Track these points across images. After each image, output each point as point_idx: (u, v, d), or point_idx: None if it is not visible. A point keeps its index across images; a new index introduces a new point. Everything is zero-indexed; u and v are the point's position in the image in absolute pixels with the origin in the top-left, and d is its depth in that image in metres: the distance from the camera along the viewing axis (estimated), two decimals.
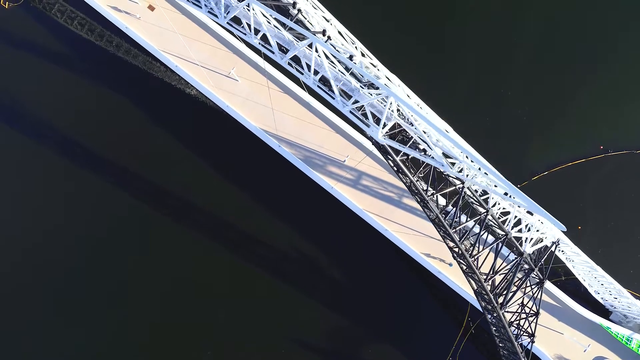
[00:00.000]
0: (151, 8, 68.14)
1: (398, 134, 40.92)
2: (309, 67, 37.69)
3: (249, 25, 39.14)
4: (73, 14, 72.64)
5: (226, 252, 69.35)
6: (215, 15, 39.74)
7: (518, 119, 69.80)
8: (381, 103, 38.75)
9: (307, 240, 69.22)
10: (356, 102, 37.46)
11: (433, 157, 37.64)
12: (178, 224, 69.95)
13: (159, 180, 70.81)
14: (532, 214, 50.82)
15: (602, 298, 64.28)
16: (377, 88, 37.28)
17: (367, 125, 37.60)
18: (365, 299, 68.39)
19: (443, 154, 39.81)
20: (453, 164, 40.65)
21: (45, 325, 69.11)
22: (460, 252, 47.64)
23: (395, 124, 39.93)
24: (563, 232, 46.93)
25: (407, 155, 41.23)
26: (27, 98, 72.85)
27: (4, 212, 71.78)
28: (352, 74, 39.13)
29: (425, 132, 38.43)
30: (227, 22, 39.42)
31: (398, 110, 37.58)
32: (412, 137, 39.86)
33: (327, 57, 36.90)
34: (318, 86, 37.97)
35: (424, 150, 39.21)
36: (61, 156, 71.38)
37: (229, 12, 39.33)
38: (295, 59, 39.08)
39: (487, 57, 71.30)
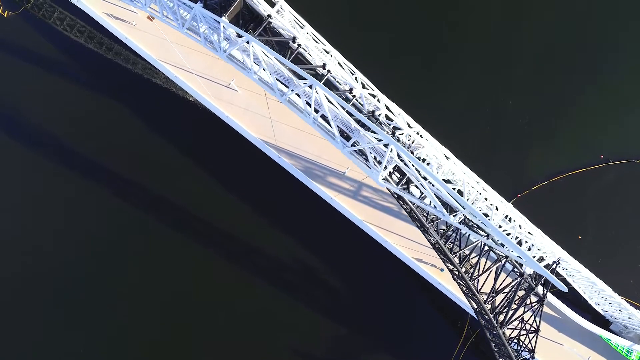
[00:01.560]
0: (150, 18, 67.38)
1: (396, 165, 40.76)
2: (308, 104, 37.38)
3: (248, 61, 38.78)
4: (72, 21, 72.32)
5: (225, 261, 69.43)
6: (215, 49, 39.39)
7: (519, 127, 69.64)
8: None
9: (307, 248, 69.31)
10: (356, 143, 37.21)
11: (434, 206, 37.49)
12: (177, 231, 69.94)
13: (159, 187, 70.79)
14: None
15: (602, 309, 64.41)
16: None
17: (368, 167, 37.38)
18: (364, 306, 68.66)
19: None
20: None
21: (46, 326, 69.44)
22: (460, 274, 47.85)
23: None
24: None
25: (407, 185, 41.16)
26: (27, 105, 72.69)
27: (4, 217, 71.93)
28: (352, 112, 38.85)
29: (430, 183, 38.28)
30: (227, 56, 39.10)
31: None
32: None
33: (327, 98, 36.60)
34: (318, 125, 37.68)
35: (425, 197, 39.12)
36: (61, 163, 71.39)
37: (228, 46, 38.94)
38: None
39: (488, 65, 70.99)
